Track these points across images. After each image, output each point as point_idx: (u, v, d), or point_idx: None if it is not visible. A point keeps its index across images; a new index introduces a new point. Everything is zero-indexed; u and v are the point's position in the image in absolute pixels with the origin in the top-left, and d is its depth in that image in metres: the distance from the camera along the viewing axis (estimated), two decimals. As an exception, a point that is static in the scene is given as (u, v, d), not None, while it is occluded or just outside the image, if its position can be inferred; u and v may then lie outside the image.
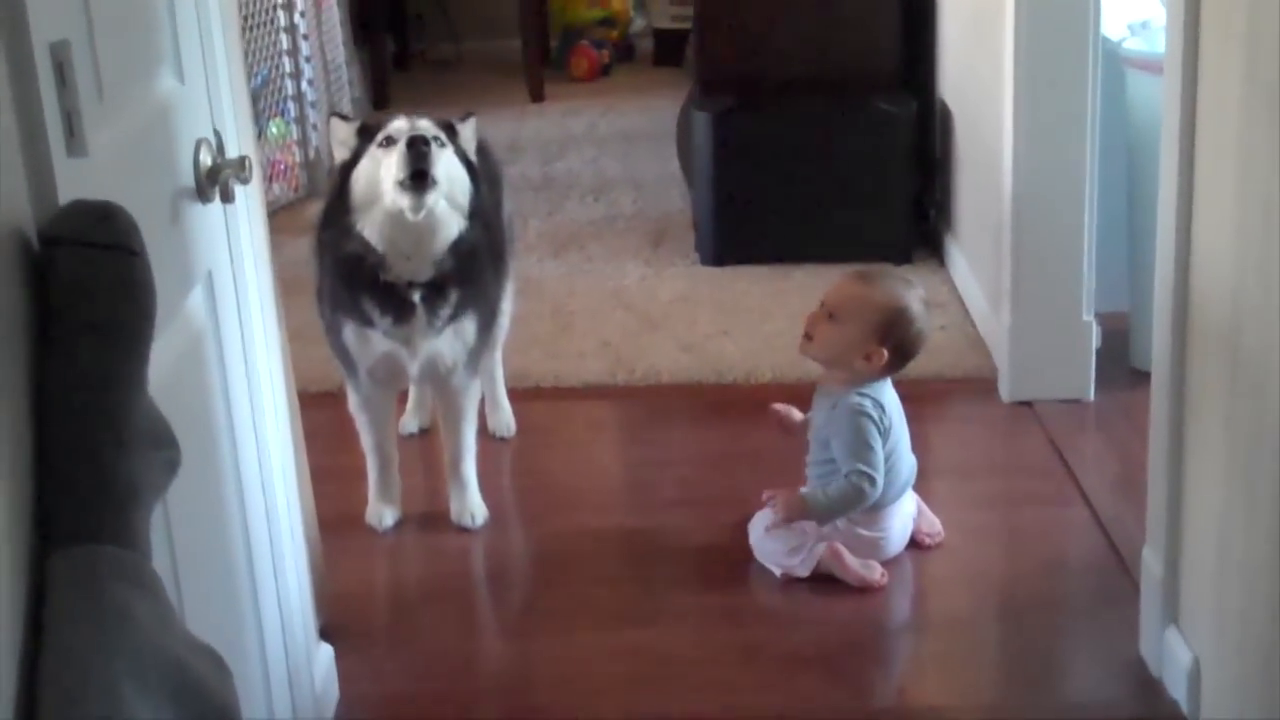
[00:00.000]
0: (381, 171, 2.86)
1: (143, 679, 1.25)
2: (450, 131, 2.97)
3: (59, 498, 1.28)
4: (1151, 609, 2.62)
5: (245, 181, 1.87)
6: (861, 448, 2.90)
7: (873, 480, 2.90)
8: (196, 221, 1.80)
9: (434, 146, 2.85)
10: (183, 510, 1.64)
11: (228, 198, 1.82)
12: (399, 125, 2.90)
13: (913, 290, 2.99)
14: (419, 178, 2.82)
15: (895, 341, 2.92)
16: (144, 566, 1.32)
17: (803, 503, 2.96)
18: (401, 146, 2.83)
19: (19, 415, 1.27)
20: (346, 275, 2.97)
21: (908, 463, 3.02)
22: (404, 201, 2.83)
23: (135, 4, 1.68)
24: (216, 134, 1.87)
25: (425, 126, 2.91)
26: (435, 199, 2.86)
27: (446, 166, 2.89)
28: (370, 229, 2.89)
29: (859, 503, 2.92)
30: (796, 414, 3.12)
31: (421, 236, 2.90)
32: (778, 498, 2.99)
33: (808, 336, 2.99)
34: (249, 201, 2.09)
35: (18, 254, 1.29)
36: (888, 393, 2.98)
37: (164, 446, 1.39)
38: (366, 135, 2.94)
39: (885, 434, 2.93)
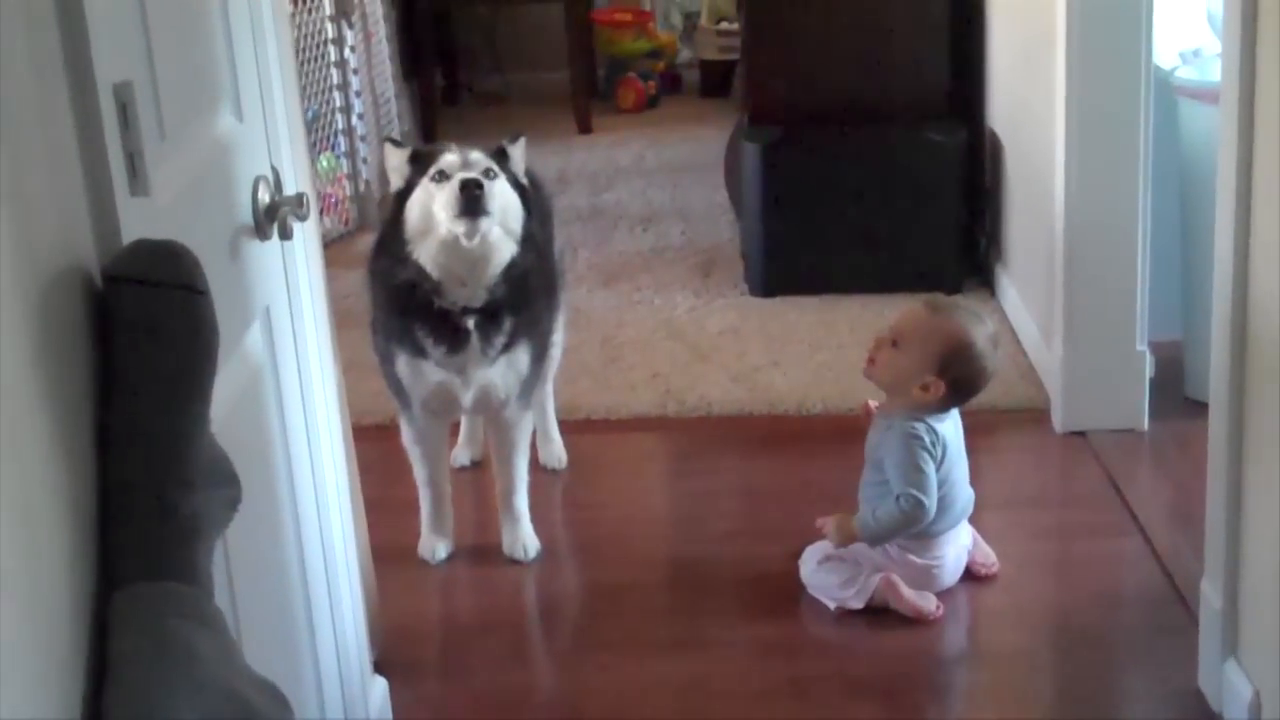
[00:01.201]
0: (435, 205, 2.88)
1: (206, 715, 1.25)
2: (501, 156, 2.99)
3: (123, 535, 1.29)
4: (1210, 641, 2.59)
5: (303, 218, 1.88)
6: (912, 471, 2.89)
7: (922, 504, 2.88)
8: (255, 258, 1.81)
9: (486, 182, 2.87)
10: (241, 544, 1.65)
11: (286, 235, 1.84)
12: (451, 160, 2.92)
13: (981, 325, 2.96)
14: (473, 211, 2.85)
15: (955, 375, 2.90)
16: (207, 603, 1.33)
17: (853, 527, 2.95)
18: (455, 188, 2.85)
19: (83, 453, 1.28)
20: (400, 304, 3.00)
21: (964, 494, 3.00)
22: (459, 228, 2.86)
23: (196, 44, 1.70)
24: (274, 171, 1.89)
25: (477, 160, 2.92)
26: (489, 225, 2.88)
27: (500, 197, 2.91)
28: (425, 256, 2.92)
29: (909, 526, 2.91)
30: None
31: (476, 262, 2.92)
32: (829, 523, 2.98)
33: (871, 361, 2.98)
34: (305, 237, 2.10)
35: (82, 292, 1.31)
36: (947, 422, 2.96)
37: (226, 484, 1.40)
38: (418, 165, 2.95)
39: (937, 460, 2.91)
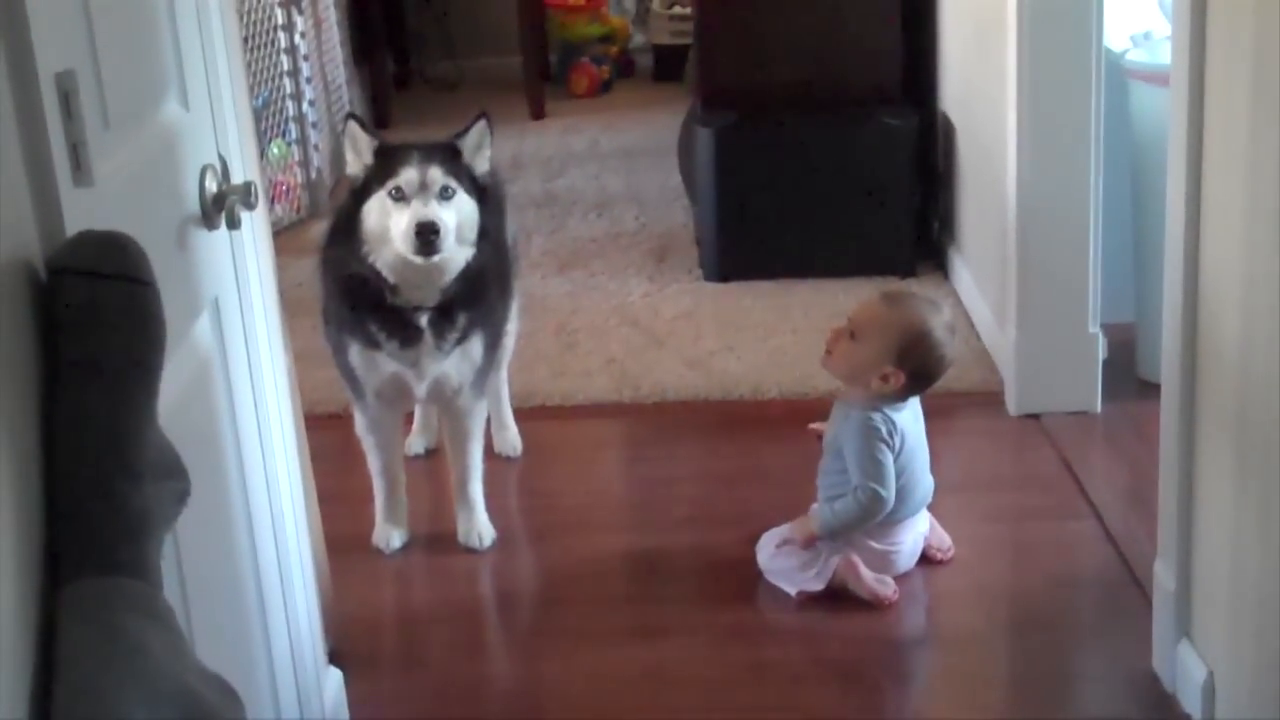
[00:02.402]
0: (390, 223, 2.85)
1: (155, 711, 1.24)
2: (454, 154, 2.94)
3: (70, 530, 1.27)
4: (1164, 622, 2.61)
5: (251, 207, 1.86)
6: (870, 464, 2.89)
7: (880, 497, 2.89)
8: (203, 248, 1.79)
9: (442, 220, 2.83)
10: (192, 536, 1.64)
11: (234, 224, 1.82)
12: (410, 177, 2.86)
13: (938, 314, 2.97)
14: (427, 251, 2.84)
15: (914, 365, 2.91)
16: (156, 597, 1.32)
17: (810, 519, 2.95)
18: (410, 226, 2.82)
19: (28, 447, 1.26)
20: (353, 297, 2.98)
21: (924, 483, 3.01)
22: (414, 258, 2.85)
23: (140, 32, 1.68)
24: (222, 160, 1.87)
25: (434, 179, 2.86)
26: (444, 249, 2.86)
27: (456, 216, 2.88)
28: (381, 261, 2.90)
29: (867, 519, 2.92)
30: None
31: (430, 273, 2.91)
32: (793, 525, 2.99)
33: (828, 352, 2.98)
34: (254, 226, 2.08)
35: (26, 285, 1.29)
36: (906, 412, 2.96)
37: (174, 477, 1.38)
38: (379, 166, 2.90)
39: (896, 451, 2.91)
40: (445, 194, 2.87)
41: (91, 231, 1.34)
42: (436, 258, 2.85)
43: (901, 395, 2.94)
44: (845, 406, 2.98)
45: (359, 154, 2.93)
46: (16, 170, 1.31)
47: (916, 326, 2.92)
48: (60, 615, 1.25)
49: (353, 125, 2.97)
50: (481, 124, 2.99)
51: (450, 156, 2.92)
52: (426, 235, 2.82)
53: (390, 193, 2.87)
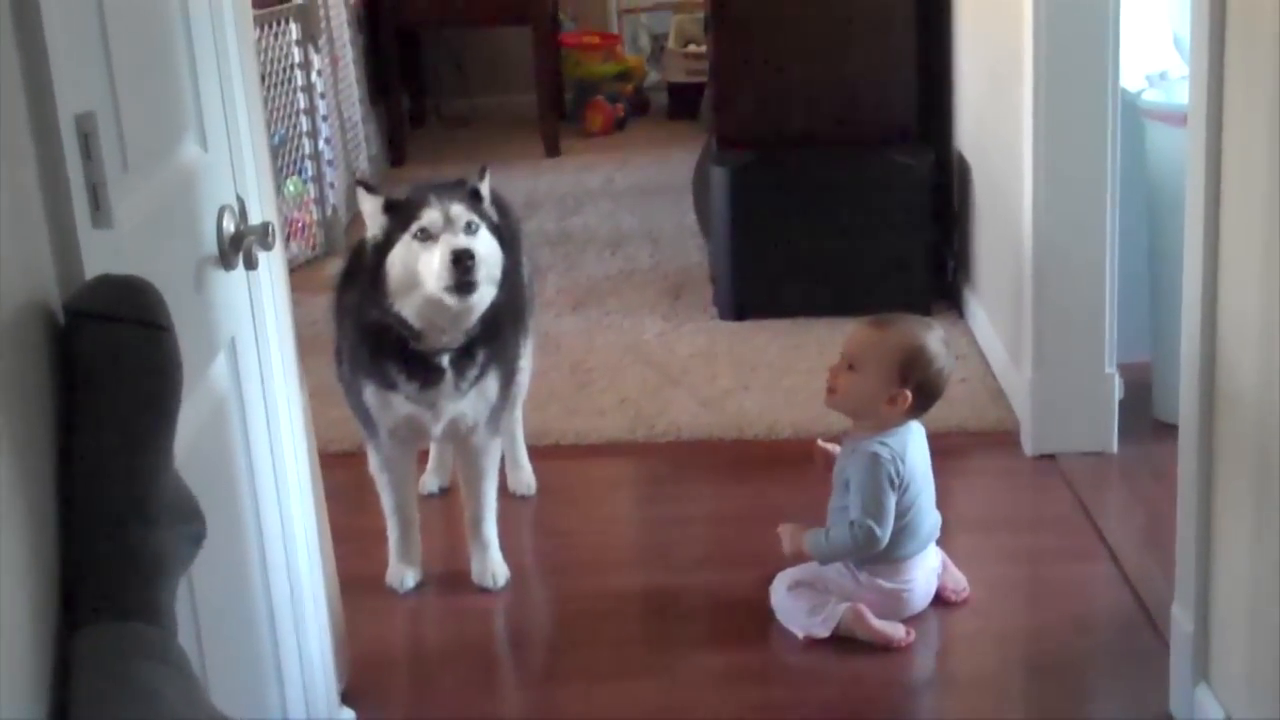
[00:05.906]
0: (420, 266, 2.81)
1: (170, 756, 1.23)
2: (476, 198, 2.93)
3: (85, 574, 1.27)
4: (1181, 666, 2.59)
5: (268, 248, 1.87)
6: (872, 501, 2.88)
7: (875, 536, 2.87)
8: (220, 288, 1.80)
9: (475, 248, 2.80)
10: (206, 576, 1.63)
11: (251, 264, 1.82)
12: (433, 217, 2.83)
13: (930, 330, 2.99)
14: (465, 286, 2.80)
15: (917, 381, 2.91)
16: (170, 643, 1.31)
17: (803, 540, 2.95)
18: (445, 258, 2.78)
19: (44, 492, 1.26)
20: (373, 342, 2.95)
21: (930, 517, 2.99)
22: (450, 300, 2.81)
23: (159, 73, 1.69)
24: (239, 200, 1.87)
25: (458, 215, 2.84)
26: (478, 280, 2.84)
27: (484, 251, 2.85)
28: (408, 309, 2.86)
29: (857, 553, 2.92)
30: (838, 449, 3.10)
31: (460, 315, 2.88)
32: (784, 530, 2.97)
33: (831, 390, 2.98)
34: (271, 265, 2.08)
35: (44, 328, 1.29)
36: (913, 443, 2.95)
37: (189, 520, 1.38)
38: (396, 216, 2.86)
39: (901, 488, 2.90)
40: (470, 229, 2.86)
41: (109, 276, 1.34)
42: (473, 296, 2.82)
43: (909, 416, 2.94)
44: (854, 442, 2.97)
45: (373, 216, 2.91)
46: (36, 211, 1.31)
47: (912, 343, 2.92)
48: (74, 661, 1.25)
49: (360, 193, 2.96)
50: (487, 175, 2.99)
51: (469, 196, 2.92)
52: (464, 262, 2.77)
53: (415, 235, 2.83)
